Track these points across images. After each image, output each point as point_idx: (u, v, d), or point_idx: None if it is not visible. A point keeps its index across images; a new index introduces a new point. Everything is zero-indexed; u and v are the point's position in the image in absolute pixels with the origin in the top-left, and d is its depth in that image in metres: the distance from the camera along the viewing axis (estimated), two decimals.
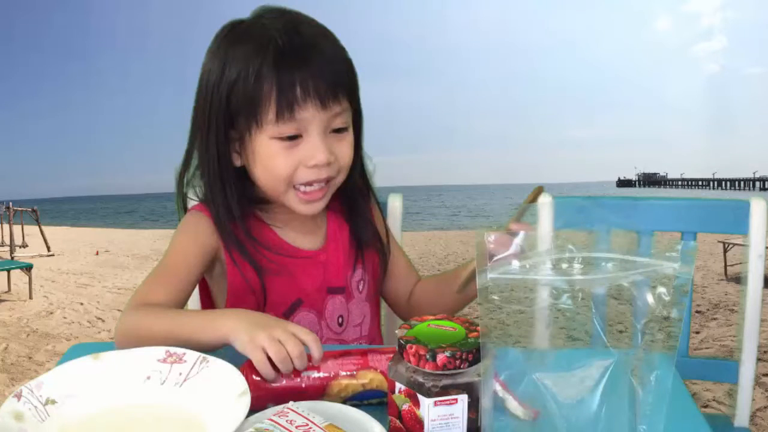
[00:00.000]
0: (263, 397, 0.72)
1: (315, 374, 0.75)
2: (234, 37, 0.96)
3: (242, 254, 1.00)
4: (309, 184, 0.97)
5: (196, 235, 1.03)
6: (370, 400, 0.75)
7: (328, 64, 0.93)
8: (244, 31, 0.97)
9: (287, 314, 1.03)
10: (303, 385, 0.74)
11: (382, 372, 0.74)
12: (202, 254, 1.02)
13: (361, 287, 1.10)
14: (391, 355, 0.73)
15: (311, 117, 0.92)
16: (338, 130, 0.97)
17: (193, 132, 1.02)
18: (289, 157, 0.94)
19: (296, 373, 0.74)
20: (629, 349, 0.56)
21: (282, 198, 1.00)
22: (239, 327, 0.79)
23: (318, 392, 0.74)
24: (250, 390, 0.70)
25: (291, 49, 0.92)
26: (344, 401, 0.74)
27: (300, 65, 0.91)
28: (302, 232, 1.07)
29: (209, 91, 0.96)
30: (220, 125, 0.96)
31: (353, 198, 1.10)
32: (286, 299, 1.04)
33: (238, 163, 0.99)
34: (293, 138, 0.94)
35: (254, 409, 0.67)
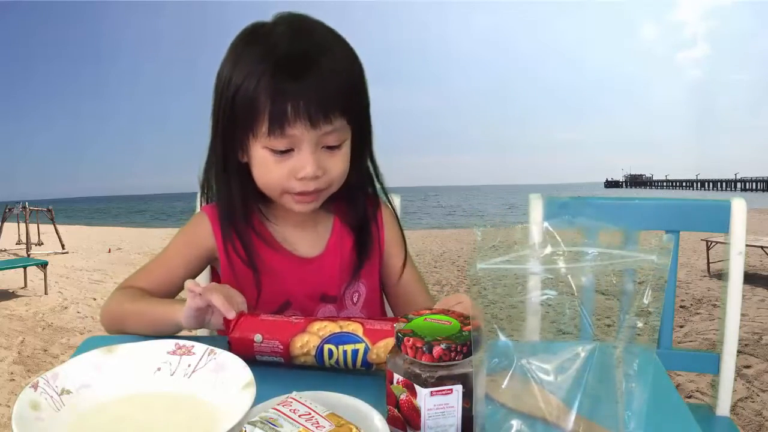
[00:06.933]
0: (252, 328, 0.84)
1: (300, 314, 0.86)
2: (248, 40, 0.97)
3: (236, 252, 1.02)
4: (300, 193, 0.98)
5: (192, 236, 1.06)
6: (344, 345, 0.80)
7: (323, 83, 0.91)
8: (256, 35, 0.97)
9: (275, 313, 1.04)
10: (291, 321, 0.84)
11: (360, 322, 0.81)
12: (194, 254, 1.05)
13: (356, 299, 1.10)
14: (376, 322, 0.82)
15: (301, 135, 0.92)
16: (330, 147, 0.97)
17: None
18: (280, 168, 0.96)
19: (226, 321, 0.85)
20: (613, 341, 0.58)
21: (277, 200, 1.02)
22: (183, 307, 0.88)
23: (300, 328, 0.83)
24: (245, 324, 0.83)
25: (289, 64, 0.91)
26: (321, 342, 0.81)
27: (295, 83, 0.91)
28: (302, 236, 1.08)
29: (220, 92, 0.97)
30: (227, 123, 0.97)
31: (361, 210, 1.10)
32: (275, 300, 1.05)
33: (244, 159, 1.00)
34: (285, 152, 0.94)
35: (244, 337, 0.82)
